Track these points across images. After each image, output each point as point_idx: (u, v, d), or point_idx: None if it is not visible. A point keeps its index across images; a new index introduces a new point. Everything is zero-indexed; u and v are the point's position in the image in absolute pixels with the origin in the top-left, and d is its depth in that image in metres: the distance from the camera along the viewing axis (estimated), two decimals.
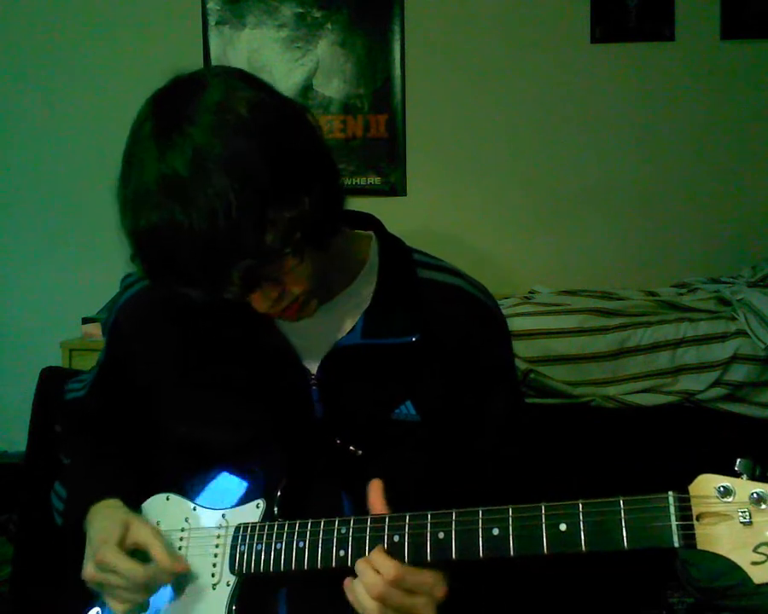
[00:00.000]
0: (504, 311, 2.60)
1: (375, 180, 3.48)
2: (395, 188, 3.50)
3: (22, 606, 1.58)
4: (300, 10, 3.45)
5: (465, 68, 3.51)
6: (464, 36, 3.50)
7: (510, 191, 3.56)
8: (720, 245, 3.48)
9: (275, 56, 3.46)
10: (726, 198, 3.50)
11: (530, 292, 2.96)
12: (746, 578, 0.82)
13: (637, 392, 2.49)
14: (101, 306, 2.93)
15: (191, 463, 1.17)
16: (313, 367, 1.13)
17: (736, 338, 2.49)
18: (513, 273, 3.47)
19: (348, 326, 1.13)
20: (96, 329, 3.00)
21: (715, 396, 2.49)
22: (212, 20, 3.47)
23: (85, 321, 3.15)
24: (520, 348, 2.48)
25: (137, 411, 1.23)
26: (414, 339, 1.10)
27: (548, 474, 0.92)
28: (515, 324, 2.53)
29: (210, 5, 3.47)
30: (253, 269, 0.95)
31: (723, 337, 2.50)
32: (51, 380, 1.71)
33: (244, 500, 1.11)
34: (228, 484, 1.13)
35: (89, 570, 1.09)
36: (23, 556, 1.12)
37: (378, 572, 0.96)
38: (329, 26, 3.46)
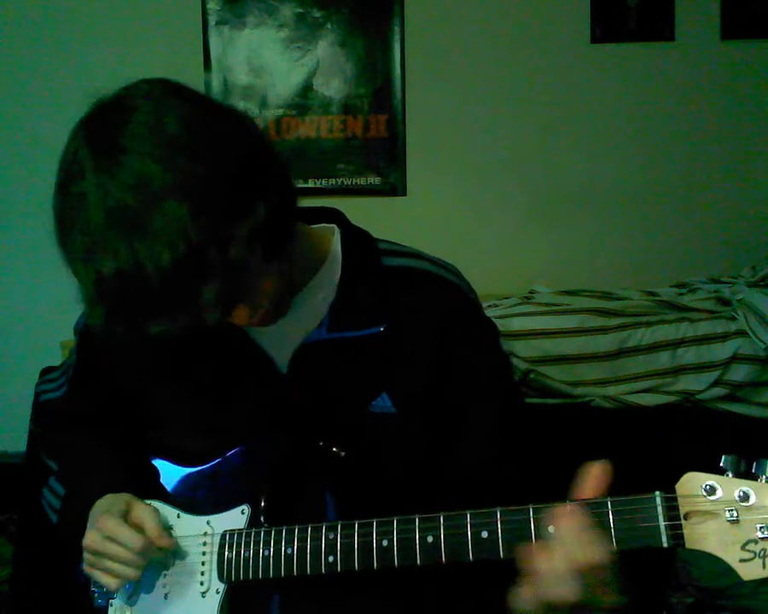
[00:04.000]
0: (504, 311, 2.65)
1: (375, 180, 3.47)
2: (395, 188, 3.50)
3: (22, 606, 1.58)
4: (300, 10, 3.45)
5: (465, 68, 3.51)
6: (464, 36, 3.49)
7: (510, 191, 3.56)
8: (720, 245, 3.48)
9: (275, 56, 3.46)
10: (726, 198, 3.50)
11: (530, 292, 2.96)
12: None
13: (637, 392, 2.49)
14: None
15: (173, 466, 1.18)
16: (283, 368, 1.11)
17: (735, 338, 2.49)
18: (513, 273, 3.46)
19: (316, 321, 1.10)
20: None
21: (715, 396, 2.48)
22: (212, 20, 3.47)
23: None
24: (520, 348, 2.47)
25: (119, 407, 1.23)
26: (381, 330, 1.07)
27: (547, 474, 0.92)
28: (515, 324, 2.52)
29: (210, 5, 3.47)
30: (225, 287, 0.90)
31: (723, 337, 2.50)
32: None
33: (228, 505, 1.10)
34: (208, 489, 1.13)
35: (90, 537, 1.09)
36: (23, 556, 1.12)
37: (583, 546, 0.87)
38: (329, 26, 3.46)
